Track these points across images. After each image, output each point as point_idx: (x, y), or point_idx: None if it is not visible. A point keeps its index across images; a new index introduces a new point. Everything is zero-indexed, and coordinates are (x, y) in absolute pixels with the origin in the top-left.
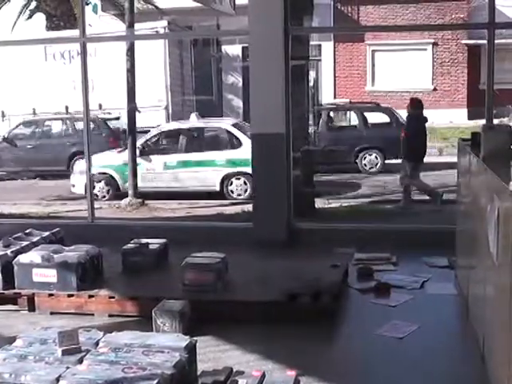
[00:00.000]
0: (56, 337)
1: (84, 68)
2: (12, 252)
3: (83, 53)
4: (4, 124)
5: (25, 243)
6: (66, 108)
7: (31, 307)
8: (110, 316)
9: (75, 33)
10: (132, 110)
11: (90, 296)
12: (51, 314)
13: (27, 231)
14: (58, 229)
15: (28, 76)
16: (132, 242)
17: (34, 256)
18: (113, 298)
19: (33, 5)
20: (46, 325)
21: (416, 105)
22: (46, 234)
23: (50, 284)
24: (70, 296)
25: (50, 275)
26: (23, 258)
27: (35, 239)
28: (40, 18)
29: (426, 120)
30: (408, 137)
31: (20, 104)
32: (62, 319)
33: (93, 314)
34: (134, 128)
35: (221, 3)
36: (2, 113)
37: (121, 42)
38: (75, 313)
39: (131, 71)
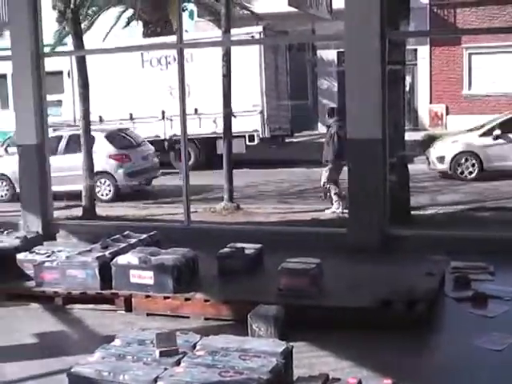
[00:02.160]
0: (154, 338)
1: (181, 73)
2: (110, 253)
3: (180, 58)
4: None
5: (122, 245)
6: (163, 113)
7: (128, 308)
8: (206, 319)
9: (172, 39)
10: (228, 115)
11: (186, 299)
12: (147, 315)
13: (125, 233)
14: (154, 231)
15: (125, 82)
16: (228, 246)
17: (131, 258)
18: (208, 301)
19: (129, 12)
20: (142, 326)
21: None
22: (144, 236)
23: (147, 286)
24: (166, 298)
25: (146, 277)
26: (121, 260)
27: (133, 241)
28: (136, 25)
29: None
30: None
31: (117, 109)
32: (157, 321)
33: (188, 317)
34: (230, 132)
35: (317, 8)
36: (100, 118)
37: (216, 48)
38: (171, 315)
39: (227, 76)
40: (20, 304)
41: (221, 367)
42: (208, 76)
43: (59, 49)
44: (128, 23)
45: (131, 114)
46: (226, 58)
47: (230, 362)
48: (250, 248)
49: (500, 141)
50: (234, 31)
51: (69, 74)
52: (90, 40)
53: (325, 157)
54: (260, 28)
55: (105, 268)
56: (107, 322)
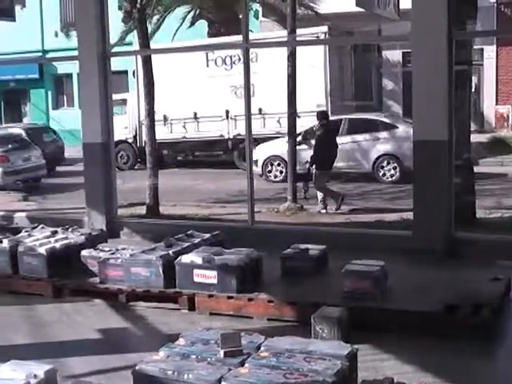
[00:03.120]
0: (218, 338)
1: (247, 73)
2: (174, 252)
3: (246, 58)
4: (165, 128)
5: (186, 244)
6: (227, 112)
7: (191, 307)
8: (269, 320)
9: (237, 39)
10: (292, 115)
11: (250, 299)
12: (210, 314)
13: (189, 232)
14: (218, 231)
15: (189, 81)
16: (291, 247)
17: (195, 257)
18: (272, 302)
19: (195, 12)
20: (206, 325)
21: None
22: (207, 235)
23: (210, 285)
24: (229, 298)
25: (210, 276)
26: (185, 259)
27: (196, 241)
28: (202, 24)
29: None
30: None
31: (181, 109)
32: (220, 320)
33: (251, 317)
34: (295, 132)
35: (385, 8)
36: (165, 117)
37: (280, 48)
38: (234, 315)
39: (292, 76)
40: (84, 300)
41: (285, 369)
42: (272, 76)
43: (124, 48)
44: (193, 23)
45: (195, 113)
46: (291, 58)
47: (294, 363)
48: (314, 249)
49: None
50: (298, 31)
51: (134, 73)
52: (158, 40)
53: (312, 160)
54: (325, 28)
55: (168, 267)
56: (170, 321)
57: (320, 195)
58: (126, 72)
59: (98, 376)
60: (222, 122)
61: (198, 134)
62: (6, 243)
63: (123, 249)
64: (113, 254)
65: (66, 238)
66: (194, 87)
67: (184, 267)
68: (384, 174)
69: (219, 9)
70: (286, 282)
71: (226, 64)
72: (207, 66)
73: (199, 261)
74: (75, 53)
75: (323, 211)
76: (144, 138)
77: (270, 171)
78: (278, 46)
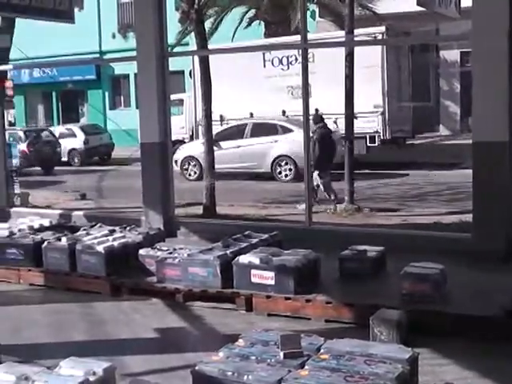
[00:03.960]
0: (278, 339)
1: (305, 73)
2: (231, 252)
3: (304, 58)
4: (222, 128)
5: (244, 244)
6: (283, 112)
7: (248, 307)
8: (326, 321)
9: (294, 39)
10: (349, 116)
11: (307, 300)
12: (268, 315)
13: (246, 233)
14: (276, 232)
15: (246, 81)
16: (349, 248)
17: (252, 257)
18: (329, 303)
19: (251, 13)
20: (263, 326)
21: None
22: (265, 236)
23: (268, 286)
24: (287, 299)
25: (268, 277)
26: (242, 259)
27: (254, 241)
28: (258, 25)
29: None
30: None
31: (238, 108)
32: (278, 321)
33: (309, 319)
34: (352, 133)
35: (446, 7)
36: (221, 117)
37: (337, 48)
38: (291, 316)
39: (349, 77)
40: (141, 299)
41: (346, 371)
42: (329, 76)
43: (181, 49)
44: (249, 24)
45: (251, 113)
46: (349, 59)
47: (355, 366)
48: (371, 251)
49: None
50: (356, 31)
51: (190, 73)
52: (215, 40)
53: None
54: (383, 28)
55: (226, 267)
56: (227, 321)
57: (332, 196)
58: (182, 72)
59: (155, 375)
60: None
61: None
62: (64, 241)
63: (181, 248)
64: (170, 253)
65: (124, 237)
66: (250, 87)
67: (241, 268)
68: (280, 173)
69: (276, 9)
70: (344, 284)
71: (282, 64)
72: (264, 66)
73: (257, 261)
74: (132, 54)
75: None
76: (200, 137)
77: (186, 169)
78: (336, 47)
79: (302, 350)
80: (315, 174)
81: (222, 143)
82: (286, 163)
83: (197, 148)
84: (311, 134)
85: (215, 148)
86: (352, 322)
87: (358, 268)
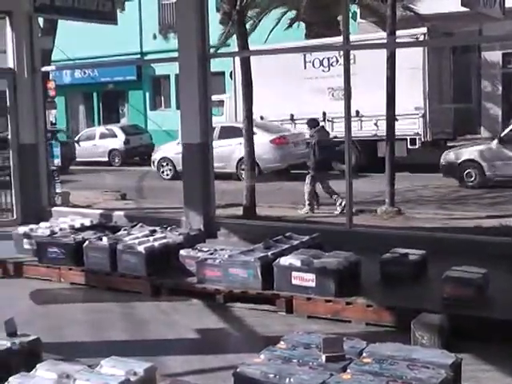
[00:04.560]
0: (320, 342)
1: (347, 75)
2: (272, 254)
3: (346, 60)
4: None
5: (285, 246)
6: (324, 114)
7: (289, 309)
8: (367, 324)
9: (335, 40)
10: (391, 118)
11: (348, 303)
12: (308, 317)
13: (287, 234)
14: (317, 234)
15: (287, 83)
16: (390, 251)
17: (293, 259)
18: (370, 306)
19: (292, 14)
20: (303, 328)
21: None
22: (306, 238)
23: (308, 288)
24: (327, 301)
25: (308, 279)
26: (283, 261)
27: (295, 243)
28: (297, 27)
29: None
30: None
31: (278, 110)
32: (318, 324)
33: (349, 321)
34: (393, 135)
35: (490, 7)
36: (261, 118)
37: (378, 49)
38: (331, 318)
39: (391, 78)
40: (181, 299)
41: (388, 376)
42: (370, 78)
43: (222, 50)
44: (290, 25)
45: (292, 115)
46: (391, 60)
47: (397, 371)
48: (413, 254)
49: None
50: (397, 33)
51: (231, 74)
52: (253, 41)
53: (309, 166)
54: (424, 29)
55: (267, 268)
56: (267, 323)
57: (334, 196)
58: (223, 73)
59: (195, 376)
60: None
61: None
62: (105, 241)
63: (221, 249)
64: (211, 254)
65: (165, 237)
66: (290, 89)
67: (282, 269)
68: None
69: (316, 10)
70: (385, 287)
71: (323, 66)
72: (305, 67)
73: (298, 263)
74: (173, 55)
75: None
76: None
77: (162, 171)
78: (378, 48)
79: (345, 354)
80: (308, 177)
81: None
82: None
83: (171, 149)
84: (309, 139)
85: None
86: (393, 326)
87: (400, 271)
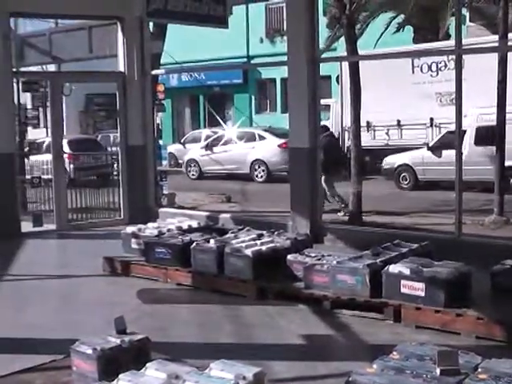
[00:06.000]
0: (434, 354)
1: (458, 80)
2: (381, 261)
3: (458, 64)
4: (368, 135)
5: (393, 254)
6: (431, 120)
7: (396, 318)
8: (477, 338)
9: (444, 44)
10: (501, 123)
11: (458, 314)
12: (416, 327)
13: (395, 242)
14: (426, 242)
15: (394, 88)
16: (501, 262)
17: (402, 267)
18: (481, 319)
19: (400, 18)
20: (411, 338)
21: None
22: (415, 246)
23: (418, 297)
24: (437, 312)
25: (417, 288)
26: (392, 269)
27: (404, 250)
28: (402, 31)
29: None
30: None
31: (385, 115)
32: (426, 334)
33: (459, 333)
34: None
35: None
36: (368, 123)
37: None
38: (440, 329)
39: (502, 82)
40: (287, 304)
41: None
42: (479, 82)
43: (328, 54)
44: (398, 29)
45: (399, 121)
46: (502, 64)
47: None
48: None
49: None
50: (510, 35)
51: (337, 79)
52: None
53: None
54: None
55: (375, 276)
56: (374, 331)
57: (337, 199)
58: (329, 77)
59: (303, 382)
60: (425, 130)
61: (400, 141)
62: (213, 243)
63: (329, 255)
64: (319, 259)
65: (272, 242)
66: (397, 93)
67: (391, 277)
68: (256, 175)
69: (425, 14)
70: (496, 300)
71: (431, 70)
72: (412, 72)
73: (407, 271)
74: (280, 58)
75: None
76: (347, 144)
77: (189, 171)
78: (490, 52)
79: (460, 368)
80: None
81: (214, 148)
82: (259, 166)
83: (197, 152)
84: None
85: (208, 152)
86: (504, 341)
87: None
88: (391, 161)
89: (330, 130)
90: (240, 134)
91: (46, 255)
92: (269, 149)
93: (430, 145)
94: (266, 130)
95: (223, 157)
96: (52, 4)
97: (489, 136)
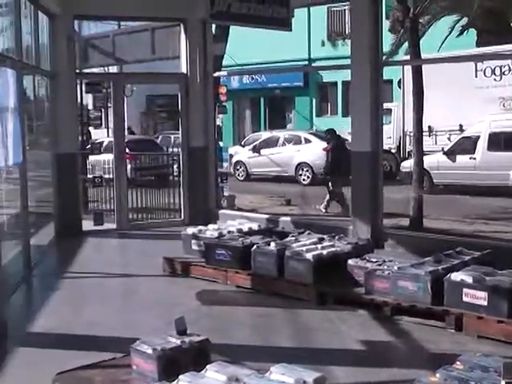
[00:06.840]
0: (498, 366)
1: None
2: (443, 269)
3: None
4: (430, 139)
5: (456, 261)
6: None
7: (458, 327)
8: None
9: (506, 48)
10: None
11: None
12: (478, 337)
13: (458, 249)
14: (488, 250)
15: (456, 92)
16: None
17: (465, 275)
18: None
19: (463, 21)
20: (473, 348)
21: None
22: (477, 254)
23: (480, 306)
24: (499, 322)
25: (480, 297)
26: (454, 276)
27: (466, 258)
28: (466, 33)
29: None
30: None
31: (447, 119)
32: (489, 345)
33: None
34: None
35: None
36: (429, 128)
37: None
38: (503, 340)
39: None
40: (347, 309)
41: None
42: None
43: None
44: (461, 32)
45: (461, 125)
46: None
47: None
48: None
49: None
50: None
51: (399, 83)
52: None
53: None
54: None
55: (437, 283)
56: (436, 339)
57: (327, 197)
58: (390, 81)
59: None
60: None
61: None
62: (273, 246)
63: (390, 261)
64: (380, 265)
65: (333, 246)
66: (460, 98)
67: (453, 285)
68: (302, 178)
69: (490, 17)
70: None
71: (495, 74)
72: (475, 76)
73: (469, 280)
74: (341, 62)
75: (323, 210)
76: (408, 148)
77: (237, 173)
78: None
79: None
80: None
81: (262, 151)
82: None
83: (244, 154)
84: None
85: (255, 154)
86: None
87: None
88: (408, 165)
89: (337, 133)
90: (287, 137)
91: (107, 254)
92: (314, 152)
93: (446, 149)
94: (311, 133)
95: (270, 159)
96: (116, 6)
97: None
